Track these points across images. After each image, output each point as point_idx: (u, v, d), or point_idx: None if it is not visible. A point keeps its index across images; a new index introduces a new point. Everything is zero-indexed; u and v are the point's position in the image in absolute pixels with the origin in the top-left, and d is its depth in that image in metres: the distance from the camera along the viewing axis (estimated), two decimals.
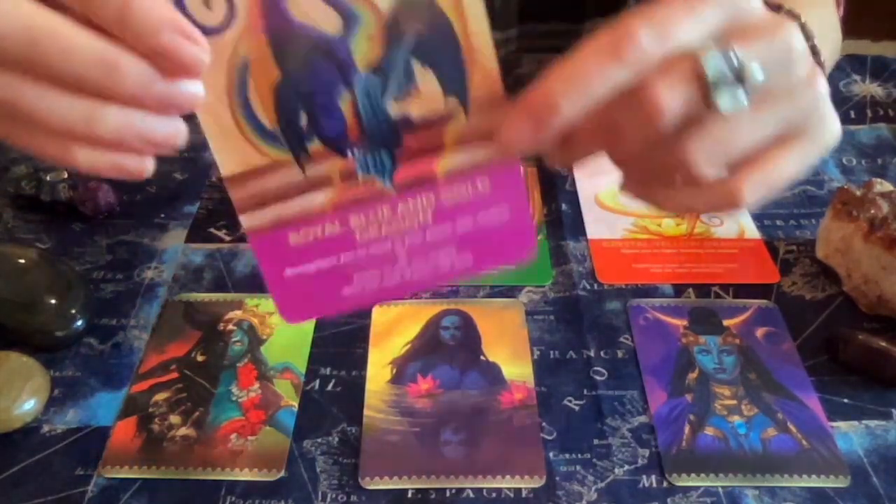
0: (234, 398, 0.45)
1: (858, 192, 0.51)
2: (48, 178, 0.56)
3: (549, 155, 0.32)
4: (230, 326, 0.49)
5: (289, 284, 0.33)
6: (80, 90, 0.27)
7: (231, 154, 0.30)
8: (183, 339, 0.48)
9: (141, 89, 0.27)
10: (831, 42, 0.54)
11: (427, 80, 0.30)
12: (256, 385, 0.45)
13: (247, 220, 0.32)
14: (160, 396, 0.45)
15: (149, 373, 0.46)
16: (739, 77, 0.29)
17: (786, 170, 0.33)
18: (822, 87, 0.33)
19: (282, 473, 0.41)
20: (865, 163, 0.63)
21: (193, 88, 0.28)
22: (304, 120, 0.30)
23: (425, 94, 0.30)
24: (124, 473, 0.41)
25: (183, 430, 0.43)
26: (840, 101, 0.70)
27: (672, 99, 0.29)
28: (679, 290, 0.52)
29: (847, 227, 0.51)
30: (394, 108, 0.30)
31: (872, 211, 0.50)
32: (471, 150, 0.31)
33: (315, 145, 0.31)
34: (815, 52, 0.48)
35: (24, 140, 0.29)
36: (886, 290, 0.49)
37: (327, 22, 0.28)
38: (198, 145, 0.60)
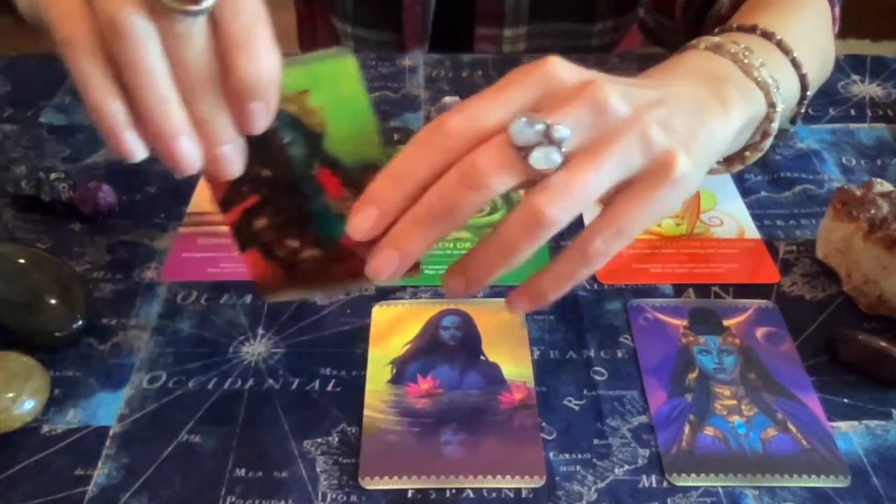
0: (335, 211, 0.39)
1: (858, 192, 0.51)
2: (48, 178, 0.56)
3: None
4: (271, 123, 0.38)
5: (182, 259, 0.54)
6: None
7: (200, 203, 0.58)
8: None
9: None
10: (819, 56, 0.55)
11: None
12: (348, 193, 0.38)
13: (182, 229, 0.56)
14: (260, 223, 0.39)
15: (227, 202, 0.39)
16: (548, 138, 0.33)
17: (636, 213, 0.35)
18: (648, 127, 0.35)
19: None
20: (865, 163, 0.63)
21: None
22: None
23: None
24: (285, 298, 0.41)
25: (308, 252, 0.40)
26: (840, 101, 0.70)
27: (491, 166, 0.33)
28: (679, 290, 0.52)
29: (847, 227, 0.51)
30: None
31: (872, 211, 0.50)
32: None
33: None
34: (796, 64, 0.49)
35: None
36: (886, 290, 0.49)
37: None
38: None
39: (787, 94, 0.48)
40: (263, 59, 0.33)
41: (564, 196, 0.34)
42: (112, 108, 0.34)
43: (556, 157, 0.33)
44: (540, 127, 0.33)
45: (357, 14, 0.83)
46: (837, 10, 0.59)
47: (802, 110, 0.53)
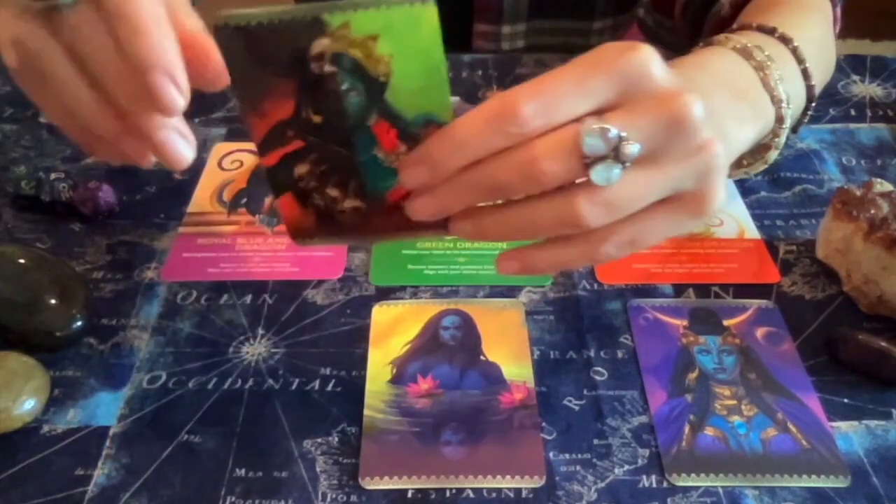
0: (385, 164, 0.37)
1: (858, 192, 0.51)
2: (48, 178, 0.56)
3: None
4: (327, 67, 0.34)
5: (182, 259, 0.54)
6: None
7: (201, 203, 0.58)
8: (277, 94, 0.35)
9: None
10: (825, 62, 0.55)
11: None
12: (403, 147, 0.36)
13: (182, 229, 0.56)
14: (301, 170, 0.37)
15: (266, 144, 0.37)
16: (615, 153, 0.32)
17: (655, 230, 0.35)
18: (714, 158, 0.34)
19: None
20: (865, 163, 0.63)
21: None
22: (243, 200, 0.59)
23: None
24: (317, 244, 0.39)
25: (349, 202, 0.38)
26: (840, 101, 0.70)
27: (552, 167, 0.32)
28: (679, 290, 0.52)
29: (847, 227, 0.51)
30: None
31: (872, 211, 0.50)
32: None
33: (241, 209, 0.58)
34: (806, 75, 0.49)
35: None
36: (886, 290, 0.49)
37: None
38: (197, 146, 0.60)
39: (795, 105, 0.48)
40: (147, 27, 0.32)
41: (609, 206, 0.33)
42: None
43: (616, 175, 0.32)
44: (613, 138, 0.31)
45: None
46: (839, 10, 0.59)
47: (806, 120, 0.53)
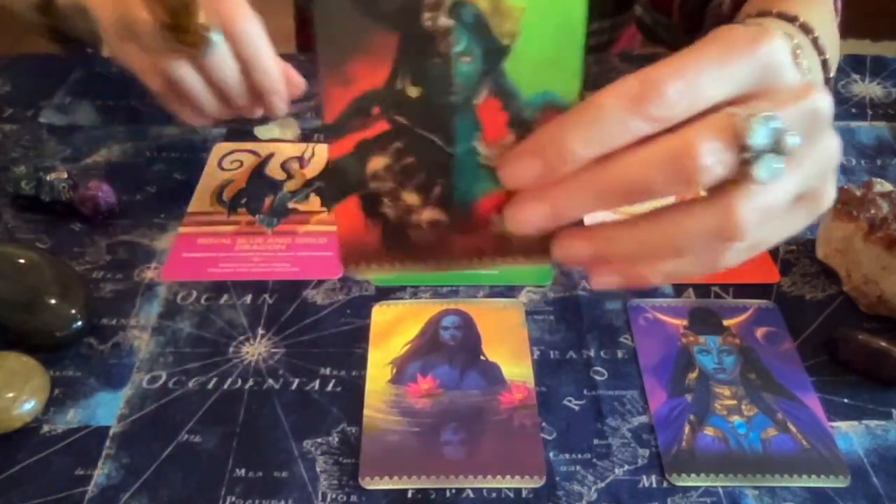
0: (482, 162, 0.29)
1: (858, 192, 0.51)
2: (48, 178, 0.56)
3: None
4: (443, 20, 0.27)
5: (182, 259, 0.55)
6: None
7: (201, 203, 0.59)
8: (372, 52, 0.28)
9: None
10: (835, 56, 0.54)
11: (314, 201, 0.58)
12: (510, 137, 0.29)
13: (182, 229, 0.57)
14: (378, 163, 0.29)
15: (343, 122, 0.29)
16: (779, 144, 0.28)
17: (776, 234, 0.31)
18: (837, 156, 0.31)
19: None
20: (865, 163, 0.63)
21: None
22: (243, 200, 0.59)
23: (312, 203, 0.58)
24: (373, 272, 0.31)
25: (428, 213, 0.30)
26: (840, 101, 0.70)
27: (711, 161, 0.27)
28: (679, 289, 0.52)
29: (847, 227, 0.51)
30: (290, 205, 0.58)
31: (872, 211, 0.50)
32: (321, 227, 0.56)
33: (241, 209, 0.58)
34: (825, 67, 0.48)
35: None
36: (886, 290, 0.49)
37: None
38: (197, 146, 0.60)
39: None
40: (272, 72, 0.51)
41: (767, 211, 0.29)
42: (185, 116, 0.54)
43: (781, 171, 0.28)
44: (779, 128, 0.27)
45: None
46: (839, 2, 0.59)
47: None
